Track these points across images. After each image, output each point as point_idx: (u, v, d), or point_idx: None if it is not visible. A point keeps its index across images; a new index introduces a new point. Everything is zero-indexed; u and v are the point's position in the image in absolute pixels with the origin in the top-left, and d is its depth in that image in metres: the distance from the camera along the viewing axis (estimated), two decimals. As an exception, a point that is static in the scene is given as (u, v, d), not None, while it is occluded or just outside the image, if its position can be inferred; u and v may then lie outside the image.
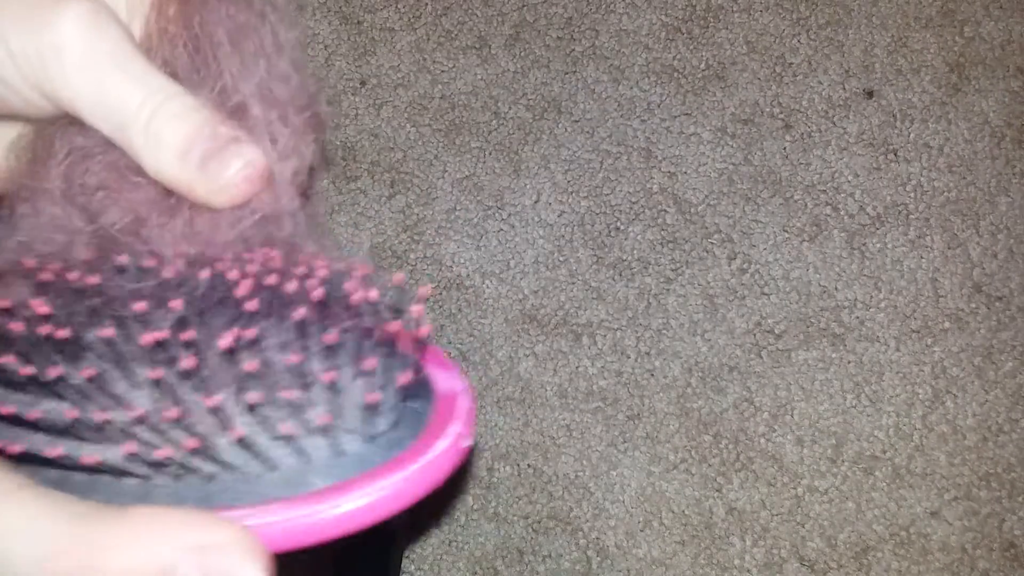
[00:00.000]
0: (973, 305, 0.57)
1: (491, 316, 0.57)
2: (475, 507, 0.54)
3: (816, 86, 0.62)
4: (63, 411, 0.23)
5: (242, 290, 0.24)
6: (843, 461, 0.54)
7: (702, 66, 0.62)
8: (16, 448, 0.22)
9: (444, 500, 0.54)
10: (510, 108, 0.61)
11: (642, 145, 0.60)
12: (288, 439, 0.23)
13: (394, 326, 0.24)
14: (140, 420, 0.22)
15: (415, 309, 0.24)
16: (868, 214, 0.59)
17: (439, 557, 0.53)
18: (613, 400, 0.56)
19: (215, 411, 0.23)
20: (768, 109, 0.61)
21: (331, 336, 0.23)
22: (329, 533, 0.22)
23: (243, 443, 0.23)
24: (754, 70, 0.62)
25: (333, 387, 0.23)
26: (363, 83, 0.62)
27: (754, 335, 0.57)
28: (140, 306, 0.24)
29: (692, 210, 0.59)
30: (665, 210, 0.59)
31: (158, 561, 0.20)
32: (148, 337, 0.23)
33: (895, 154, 0.60)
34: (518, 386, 0.56)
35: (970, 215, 0.59)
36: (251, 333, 0.23)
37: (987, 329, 0.57)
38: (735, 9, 0.63)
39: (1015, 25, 0.62)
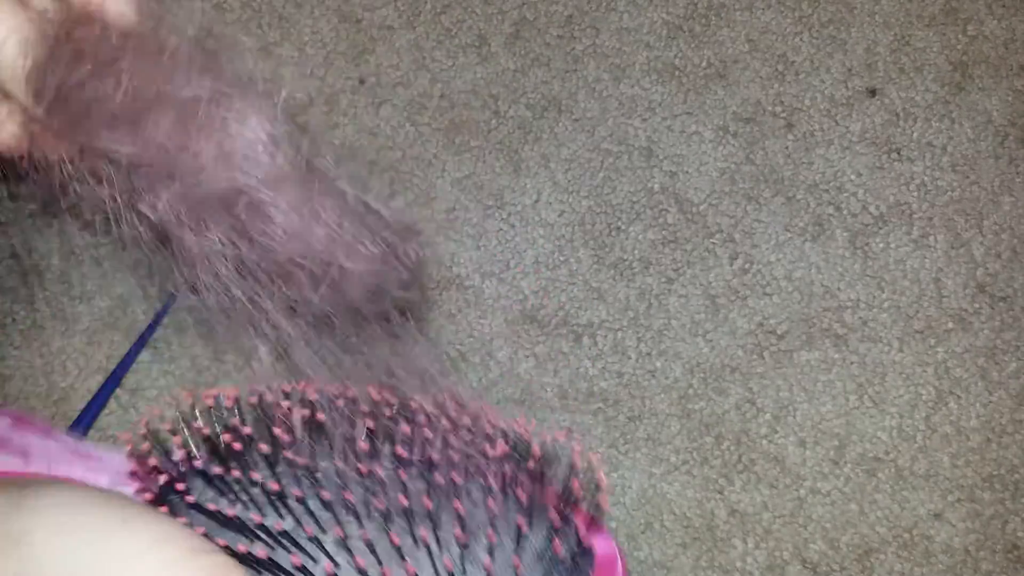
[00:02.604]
0: (977, 305, 0.57)
1: (491, 316, 0.57)
2: (475, 509, 0.54)
3: (819, 85, 0.61)
4: (302, 531, 0.26)
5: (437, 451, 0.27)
6: (846, 463, 0.54)
7: (704, 64, 0.62)
8: (262, 553, 0.25)
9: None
10: (510, 107, 0.61)
11: (643, 144, 0.60)
12: None
13: (573, 493, 0.27)
14: (367, 543, 0.25)
15: (600, 483, 0.27)
16: (871, 213, 0.59)
17: (439, 559, 0.53)
18: (614, 401, 0.55)
19: (425, 546, 0.25)
20: (770, 108, 0.61)
21: (517, 501, 0.26)
22: None
23: None
24: (756, 68, 0.62)
25: (515, 538, 0.26)
26: (362, 81, 0.62)
27: (756, 336, 0.56)
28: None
29: (693, 210, 0.59)
30: (666, 210, 0.59)
31: None
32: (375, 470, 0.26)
33: (898, 153, 0.60)
34: (518, 387, 0.55)
35: (973, 214, 0.58)
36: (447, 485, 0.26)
37: (991, 330, 0.56)
38: (737, 7, 0.63)
39: (1018, 24, 0.62)
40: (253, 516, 0.26)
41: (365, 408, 0.28)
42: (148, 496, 0.28)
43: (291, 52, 0.62)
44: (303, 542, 0.26)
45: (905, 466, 0.54)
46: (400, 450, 0.27)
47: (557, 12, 0.63)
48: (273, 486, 0.26)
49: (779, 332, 0.56)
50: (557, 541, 0.26)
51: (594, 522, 0.30)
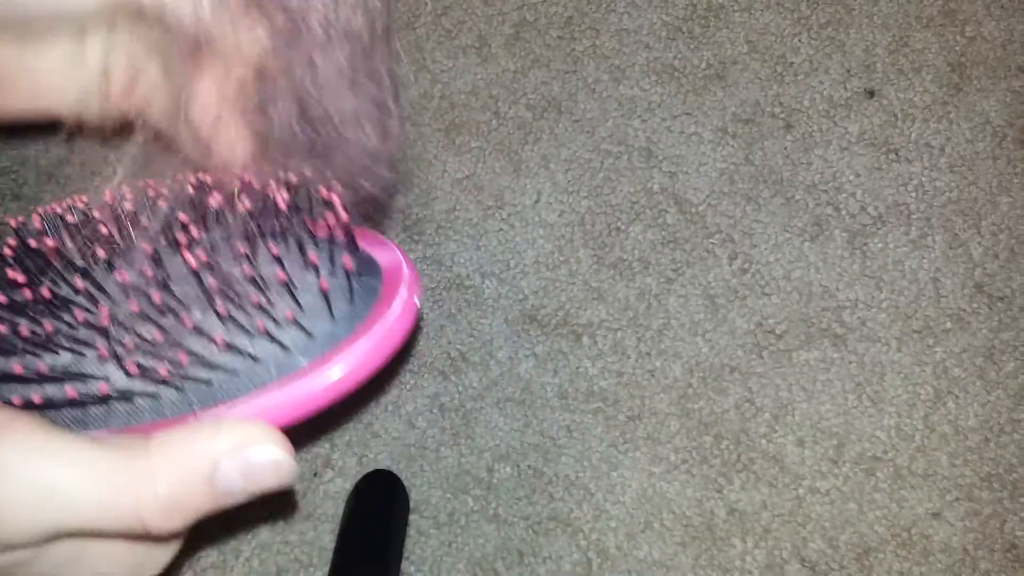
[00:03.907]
0: (975, 305, 0.57)
1: (491, 316, 0.57)
2: (475, 508, 0.54)
3: (817, 85, 0.61)
4: (67, 359, 0.26)
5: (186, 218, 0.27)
6: (844, 462, 0.54)
7: (703, 65, 0.62)
8: (38, 398, 0.25)
9: (444, 501, 0.54)
10: (510, 107, 0.61)
11: (643, 145, 0.60)
12: (264, 334, 0.26)
13: (323, 220, 0.28)
14: (136, 346, 0.25)
15: (334, 200, 0.28)
16: (869, 214, 0.59)
17: (439, 559, 0.53)
18: (614, 401, 0.55)
19: (195, 328, 0.26)
20: (769, 109, 0.61)
21: (273, 245, 0.27)
22: (321, 401, 0.26)
23: (228, 347, 0.26)
24: (755, 69, 0.62)
25: (288, 284, 0.26)
26: (362, 82, 0.62)
27: (755, 335, 0.57)
28: (103, 252, 0.27)
29: (693, 210, 0.59)
30: (666, 210, 0.59)
31: (200, 471, 0.23)
32: (123, 277, 0.26)
33: (896, 154, 0.60)
34: (518, 387, 0.56)
35: (972, 215, 0.59)
36: (203, 256, 0.26)
37: (989, 329, 0.56)
38: (736, 8, 0.63)
39: (1016, 25, 0.62)
40: (38, 365, 0.26)
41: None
42: None
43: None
44: (93, 368, 0.26)
45: (903, 465, 0.54)
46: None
47: (557, 13, 0.63)
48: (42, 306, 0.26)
49: (778, 332, 0.57)
50: (315, 253, 0.27)
51: (377, 240, 0.31)
